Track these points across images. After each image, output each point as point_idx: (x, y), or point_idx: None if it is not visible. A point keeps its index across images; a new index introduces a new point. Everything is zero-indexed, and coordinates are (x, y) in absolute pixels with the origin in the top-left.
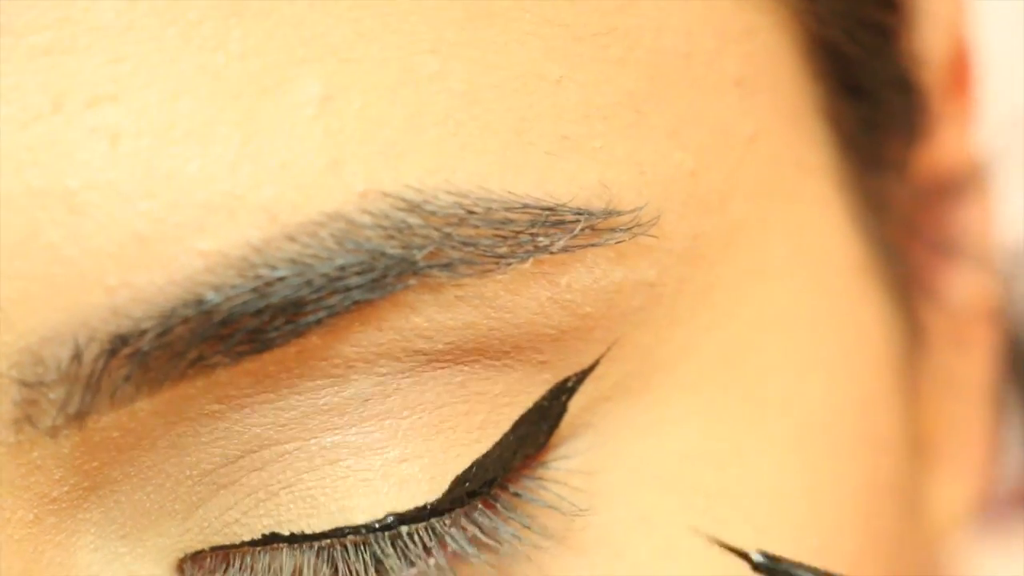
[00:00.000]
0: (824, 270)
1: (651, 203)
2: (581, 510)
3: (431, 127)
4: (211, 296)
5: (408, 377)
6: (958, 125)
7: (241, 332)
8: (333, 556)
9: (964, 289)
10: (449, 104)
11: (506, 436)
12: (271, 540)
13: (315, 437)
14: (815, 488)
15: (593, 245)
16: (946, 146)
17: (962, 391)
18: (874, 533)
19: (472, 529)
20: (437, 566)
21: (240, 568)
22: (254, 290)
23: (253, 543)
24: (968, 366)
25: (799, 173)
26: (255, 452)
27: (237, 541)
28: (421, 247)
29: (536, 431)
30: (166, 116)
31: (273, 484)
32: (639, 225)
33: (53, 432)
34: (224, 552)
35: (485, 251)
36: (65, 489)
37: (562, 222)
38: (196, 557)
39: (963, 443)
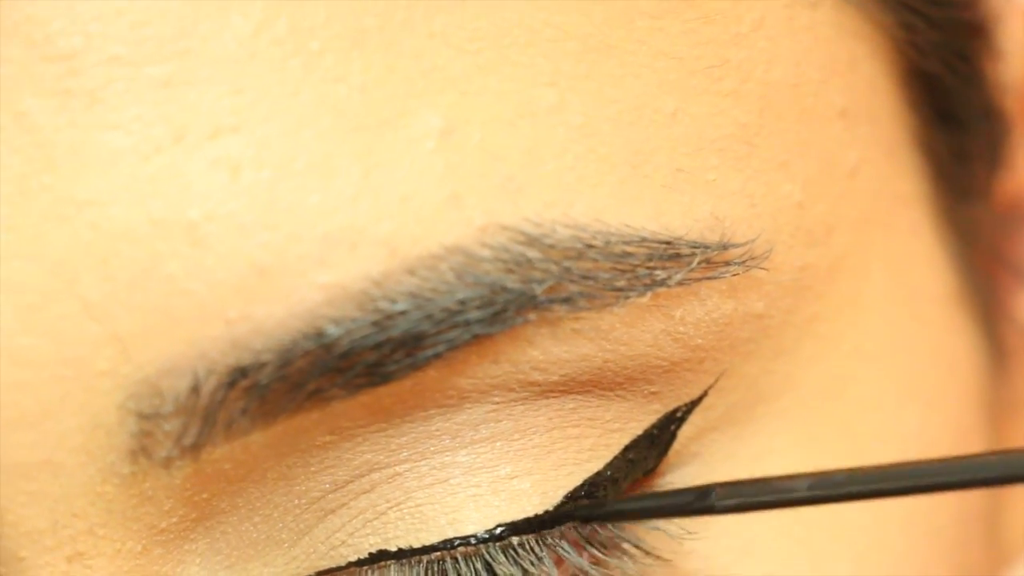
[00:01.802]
0: (920, 300)
1: (762, 235)
2: (689, 533)
3: (549, 160)
4: (331, 329)
5: (520, 405)
6: None
7: (360, 365)
8: (444, 568)
9: None
10: (567, 137)
11: (617, 458)
12: (379, 558)
13: (426, 459)
14: (912, 520)
15: (708, 279)
16: None
17: None
18: (964, 563)
19: (583, 543)
20: None
21: None
22: (374, 323)
23: (360, 563)
24: None
25: (897, 203)
26: (364, 476)
27: (343, 563)
28: (541, 281)
29: (646, 456)
30: (287, 148)
31: (381, 504)
32: (752, 258)
33: (167, 464)
34: (330, 575)
35: (604, 285)
36: (174, 520)
37: (679, 255)
38: None
39: None
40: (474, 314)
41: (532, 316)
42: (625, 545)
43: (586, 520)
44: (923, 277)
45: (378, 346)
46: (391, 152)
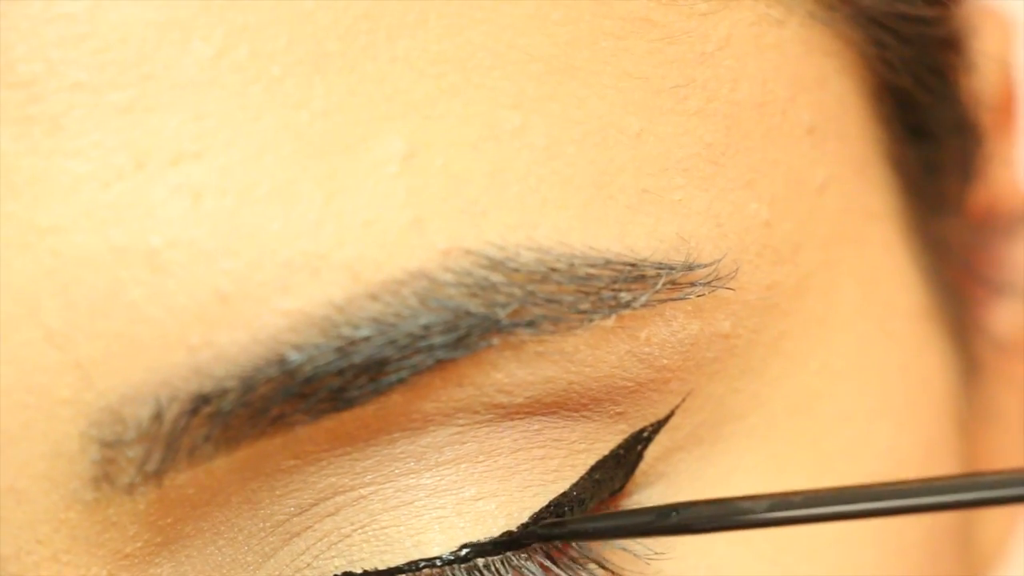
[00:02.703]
0: (891, 317)
1: (728, 255)
2: (656, 553)
3: (513, 183)
4: (294, 356)
5: (485, 427)
6: (1008, 163)
7: (323, 391)
8: None
9: (1011, 324)
10: (531, 159)
11: (583, 479)
12: None
13: (390, 482)
14: (883, 536)
15: (673, 300)
16: (998, 184)
17: (1008, 424)
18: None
19: (548, 565)
20: None
21: None
22: (337, 349)
23: None
24: (1012, 398)
25: (867, 219)
26: (329, 499)
27: None
28: (504, 305)
29: (612, 477)
30: (249, 174)
31: (346, 527)
32: (718, 278)
33: (130, 490)
34: None
35: (568, 308)
36: (138, 545)
37: (643, 277)
38: None
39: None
40: (437, 339)
41: (496, 340)
42: (591, 566)
43: (549, 539)
44: (894, 292)
45: (341, 372)
46: (354, 177)
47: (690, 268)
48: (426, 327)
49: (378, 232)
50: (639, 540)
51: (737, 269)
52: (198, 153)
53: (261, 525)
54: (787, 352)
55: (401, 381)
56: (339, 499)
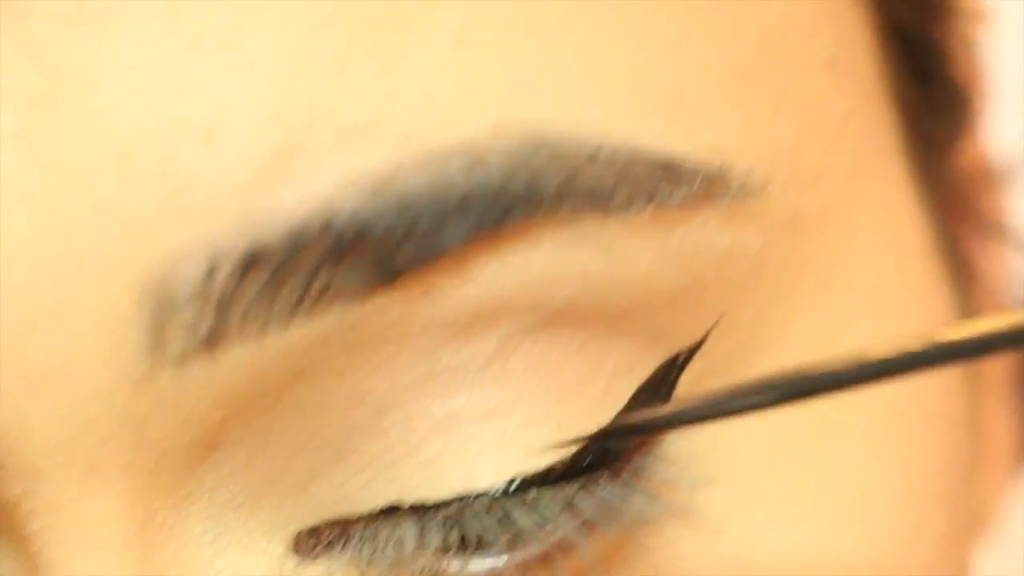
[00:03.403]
0: (905, 252)
1: (758, 171)
2: (704, 480)
3: (559, 70)
4: (342, 215)
5: (528, 336)
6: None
7: (370, 256)
8: (461, 521)
9: (1000, 272)
10: (576, 49)
11: (626, 406)
12: (393, 511)
13: (438, 400)
14: (906, 469)
15: (707, 204)
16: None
17: (992, 380)
18: (953, 511)
19: (600, 496)
20: (567, 528)
21: (360, 539)
22: (385, 212)
23: (373, 515)
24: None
25: (881, 154)
26: (376, 416)
27: (355, 514)
28: (548, 183)
29: (650, 406)
30: (304, 48)
31: (395, 451)
32: (750, 190)
33: (181, 360)
34: (343, 524)
35: (607, 195)
36: (185, 441)
37: (680, 175)
38: (313, 531)
39: (994, 433)
40: (483, 209)
41: (543, 209)
42: (637, 497)
43: (600, 474)
44: (906, 228)
45: (388, 235)
46: (407, 52)
47: (724, 175)
48: (471, 196)
49: (430, 103)
50: (685, 472)
51: (768, 183)
52: (252, 32)
53: (307, 442)
54: (811, 282)
55: (445, 249)
56: (385, 420)
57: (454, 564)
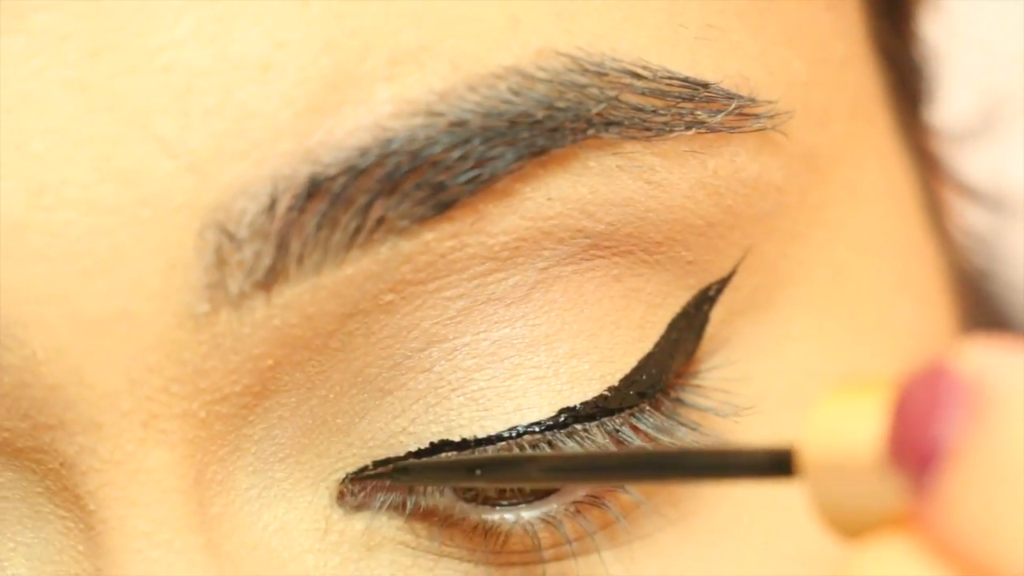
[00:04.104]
0: (900, 197)
1: (780, 102)
2: (745, 408)
3: None
4: (396, 139)
5: (569, 265)
6: None
7: (424, 185)
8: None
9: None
10: None
11: (664, 337)
12: (441, 448)
13: (483, 331)
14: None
15: (739, 131)
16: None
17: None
18: None
19: (644, 428)
20: None
21: (407, 480)
22: (437, 134)
23: (421, 453)
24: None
25: (875, 102)
26: (422, 351)
27: (403, 452)
28: (592, 104)
29: (685, 338)
30: None
31: (443, 386)
32: (777, 115)
33: (240, 301)
34: (389, 467)
35: (648, 118)
36: (237, 388)
37: (715, 99)
38: (358, 476)
39: None
40: (531, 130)
41: (590, 132)
42: (681, 430)
43: (642, 407)
44: (900, 177)
45: (441, 158)
46: None
47: (753, 102)
48: (520, 117)
49: (477, 28)
50: (726, 402)
51: (791, 114)
52: None
53: (354, 379)
54: (826, 221)
55: (498, 174)
56: (433, 351)
57: (507, 516)
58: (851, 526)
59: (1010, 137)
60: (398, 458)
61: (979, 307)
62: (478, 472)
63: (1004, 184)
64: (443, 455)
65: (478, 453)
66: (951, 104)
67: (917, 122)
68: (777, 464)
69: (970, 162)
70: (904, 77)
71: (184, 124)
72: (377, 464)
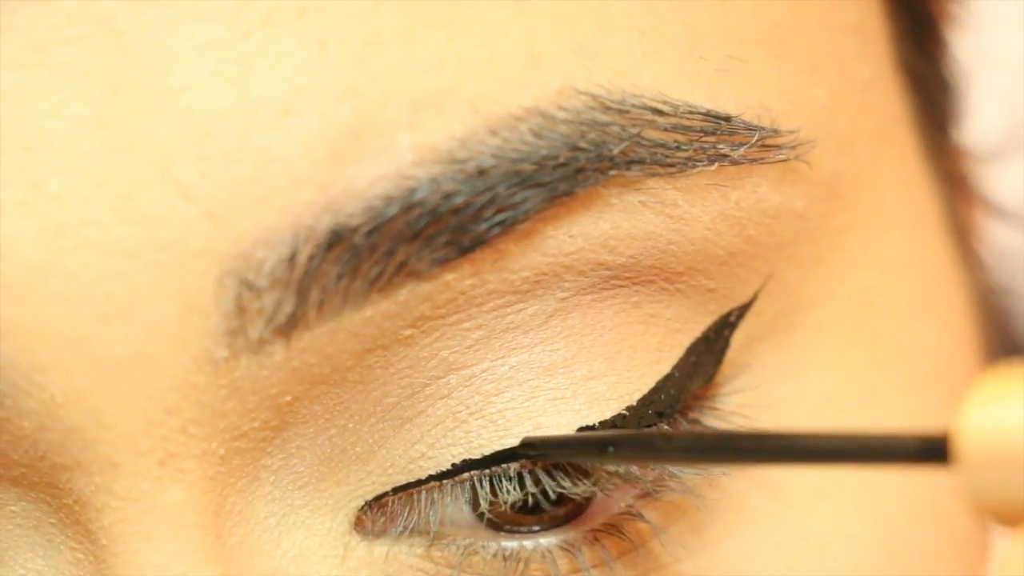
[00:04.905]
0: (924, 221)
1: (802, 130)
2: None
3: (617, 32)
4: (420, 189)
5: (588, 294)
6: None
7: (447, 230)
8: (534, 472)
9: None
10: (631, 12)
11: (682, 360)
12: (463, 468)
13: (501, 357)
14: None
15: (762, 161)
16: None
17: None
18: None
19: None
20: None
21: (427, 505)
22: (460, 182)
23: (442, 475)
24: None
25: (900, 124)
26: (441, 378)
27: (424, 476)
28: (614, 143)
29: (705, 362)
30: (372, 21)
31: (461, 411)
32: (800, 145)
33: (259, 347)
34: (408, 492)
35: (671, 153)
36: (255, 424)
37: (737, 132)
38: (376, 503)
39: None
40: (553, 173)
41: (612, 173)
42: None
43: (660, 427)
44: (923, 200)
45: (464, 205)
46: (471, 19)
47: (776, 133)
48: (542, 160)
49: (497, 70)
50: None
51: (813, 143)
52: (322, 6)
53: (372, 409)
54: (848, 246)
55: (519, 218)
56: (451, 379)
57: (526, 543)
58: (1008, 514)
59: None
60: (419, 482)
61: (1005, 325)
62: (610, 449)
63: None
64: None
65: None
66: (979, 124)
67: (945, 143)
68: (931, 450)
69: (998, 181)
70: (930, 98)
71: (203, 169)
72: (398, 490)
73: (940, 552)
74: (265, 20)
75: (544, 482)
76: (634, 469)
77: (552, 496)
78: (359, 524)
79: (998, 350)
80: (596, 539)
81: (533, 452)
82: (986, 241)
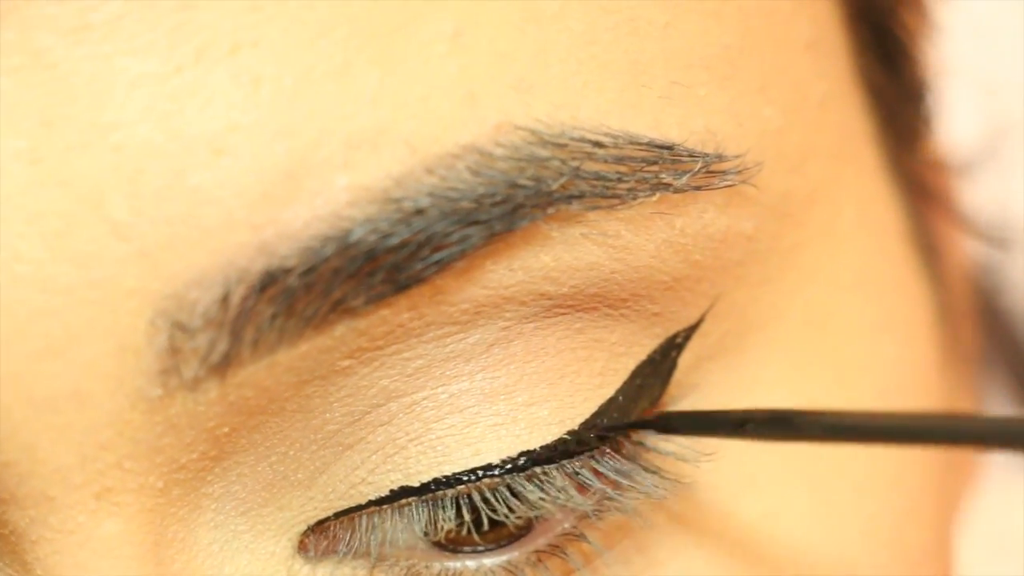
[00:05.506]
0: (884, 236)
1: (750, 153)
2: (705, 455)
3: (556, 64)
4: (355, 229)
5: (531, 323)
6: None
7: (383, 269)
8: (471, 499)
9: (963, 259)
10: (570, 43)
11: (627, 383)
12: (401, 495)
13: (442, 385)
14: (900, 454)
15: (708, 188)
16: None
17: (963, 360)
18: (949, 488)
19: (605, 471)
20: (576, 503)
21: (367, 529)
22: (396, 222)
23: (381, 501)
24: (967, 333)
25: (858, 139)
26: (382, 406)
27: (364, 501)
28: (553, 178)
29: (651, 384)
30: (306, 58)
31: (401, 437)
32: (746, 170)
33: (194, 385)
34: (349, 516)
35: (612, 185)
36: (194, 456)
37: (680, 161)
38: (319, 527)
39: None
40: (492, 211)
41: (551, 210)
42: (640, 474)
43: (603, 450)
44: (884, 214)
45: (401, 245)
46: (406, 56)
47: (720, 158)
48: (480, 198)
49: (433, 107)
50: (688, 447)
51: (760, 165)
52: (255, 41)
53: (313, 437)
54: (800, 264)
55: (457, 257)
56: (392, 406)
57: (469, 563)
58: None
59: (1013, 165)
60: (359, 507)
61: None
62: (748, 426)
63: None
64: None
65: (438, 495)
66: (949, 135)
67: (911, 156)
68: None
69: (973, 192)
70: (894, 111)
71: (136, 206)
72: (339, 515)
73: (899, 562)
74: (198, 56)
75: (481, 509)
76: (574, 495)
77: (486, 526)
78: (302, 548)
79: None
80: (540, 560)
81: (670, 428)
82: (962, 255)
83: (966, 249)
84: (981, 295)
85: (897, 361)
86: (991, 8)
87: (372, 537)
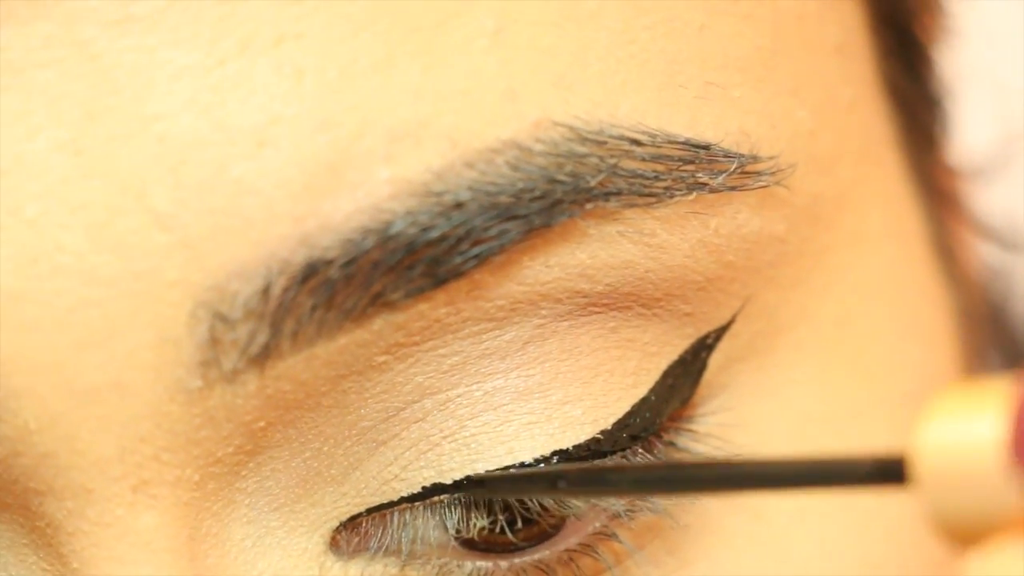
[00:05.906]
0: (909, 240)
1: (783, 155)
2: (738, 454)
3: (594, 62)
4: (396, 222)
5: (565, 321)
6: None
7: (423, 262)
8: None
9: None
10: (608, 41)
11: (659, 383)
12: (433, 492)
13: (477, 382)
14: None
15: (743, 188)
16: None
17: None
18: None
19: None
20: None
21: (399, 527)
22: (436, 216)
23: (414, 498)
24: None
25: (883, 143)
26: (416, 402)
27: (396, 498)
28: (592, 175)
29: (682, 384)
30: (349, 51)
31: (434, 434)
32: (780, 171)
33: (233, 377)
34: (381, 513)
35: (649, 184)
36: (230, 450)
37: (716, 160)
38: (351, 523)
39: None
40: (530, 206)
41: (588, 207)
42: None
43: (635, 450)
44: (907, 219)
45: (441, 239)
46: (448, 50)
47: (755, 159)
48: (519, 193)
49: (473, 102)
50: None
51: (794, 167)
52: (299, 33)
53: (347, 432)
54: (830, 266)
55: (496, 251)
56: (426, 403)
57: (501, 563)
58: (968, 533)
59: None
60: (391, 503)
61: (998, 342)
62: (561, 484)
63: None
64: (520, 468)
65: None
66: (966, 141)
67: (931, 161)
68: (887, 472)
69: (986, 198)
70: (916, 116)
71: (178, 198)
72: (371, 511)
73: (918, 573)
74: (242, 48)
75: (514, 507)
76: None
77: (519, 524)
78: (334, 544)
79: (990, 366)
80: (571, 559)
81: (480, 490)
82: (976, 260)
83: (979, 254)
84: (990, 300)
85: (922, 364)
86: (1005, 14)
87: (404, 534)
